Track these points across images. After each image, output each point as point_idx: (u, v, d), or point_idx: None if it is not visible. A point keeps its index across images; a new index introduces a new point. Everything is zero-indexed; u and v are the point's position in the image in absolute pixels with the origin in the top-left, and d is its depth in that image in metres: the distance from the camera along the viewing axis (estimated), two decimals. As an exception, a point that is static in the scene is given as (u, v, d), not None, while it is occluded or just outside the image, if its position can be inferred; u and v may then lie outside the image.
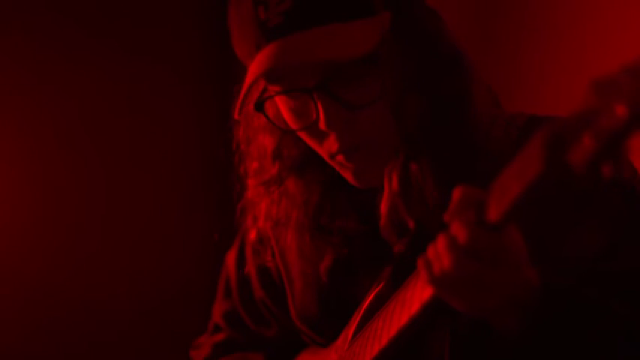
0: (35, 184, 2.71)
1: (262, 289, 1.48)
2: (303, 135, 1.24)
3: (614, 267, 1.13)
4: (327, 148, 1.22)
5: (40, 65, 2.72)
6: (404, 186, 1.21)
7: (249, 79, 1.17)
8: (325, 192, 1.30)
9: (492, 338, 1.07)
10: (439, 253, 1.00)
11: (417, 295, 1.09)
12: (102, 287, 2.76)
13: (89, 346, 2.74)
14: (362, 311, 1.27)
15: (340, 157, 1.22)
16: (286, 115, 1.23)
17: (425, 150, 1.20)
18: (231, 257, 1.54)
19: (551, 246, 1.13)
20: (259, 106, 1.24)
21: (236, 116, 1.22)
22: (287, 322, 1.44)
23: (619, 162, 0.75)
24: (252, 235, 1.43)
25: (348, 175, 1.25)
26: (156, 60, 2.86)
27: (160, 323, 2.82)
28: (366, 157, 1.22)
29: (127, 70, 2.82)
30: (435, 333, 1.19)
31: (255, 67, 1.16)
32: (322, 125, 1.18)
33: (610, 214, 1.14)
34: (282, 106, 1.23)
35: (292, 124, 1.23)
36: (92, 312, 2.75)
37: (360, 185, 1.25)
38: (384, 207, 1.24)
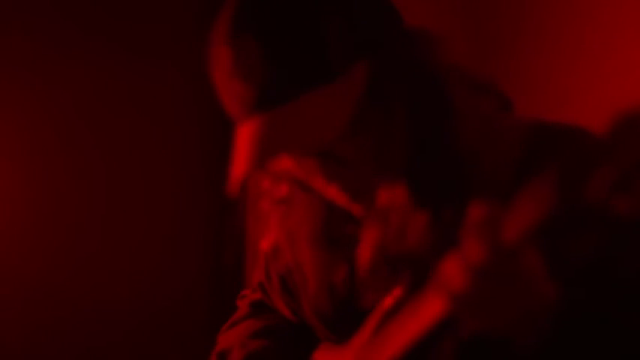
0: (35, 184, 2.71)
1: (279, 287, 1.52)
2: (309, 180, 1.27)
3: (614, 273, 1.14)
4: (331, 193, 1.26)
5: (40, 63, 2.72)
6: (388, 228, 1.24)
7: (238, 167, 1.18)
8: (333, 204, 1.32)
9: (499, 347, 1.09)
10: (454, 273, 1.00)
11: (430, 306, 1.10)
12: (102, 287, 2.76)
13: (89, 346, 2.74)
14: (380, 314, 1.28)
15: (344, 200, 1.26)
16: (289, 164, 1.26)
17: (410, 184, 1.22)
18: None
19: (553, 255, 1.13)
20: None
21: (231, 196, 1.23)
22: (302, 317, 1.48)
23: (636, 196, 0.76)
24: (265, 246, 1.47)
25: (356, 211, 1.28)
26: (157, 58, 2.86)
27: (161, 324, 2.82)
28: (370, 198, 1.24)
29: (128, 68, 2.82)
30: (442, 339, 1.21)
31: (242, 149, 1.18)
32: (320, 180, 1.22)
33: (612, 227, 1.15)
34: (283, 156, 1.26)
35: (296, 173, 1.26)
36: (92, 312, 2.74)
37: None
38: (365, 254, 1.27)
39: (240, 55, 1.15)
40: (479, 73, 1.27)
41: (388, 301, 1.26)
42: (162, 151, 2.89)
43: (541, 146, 1.19)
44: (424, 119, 1.20)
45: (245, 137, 1.17)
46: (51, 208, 2.72)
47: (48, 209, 2.72)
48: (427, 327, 1.11)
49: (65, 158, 2.75)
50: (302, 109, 1.14)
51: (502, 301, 1.01)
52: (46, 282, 2.70)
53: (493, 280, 0.98)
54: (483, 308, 1.01)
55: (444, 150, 1.21)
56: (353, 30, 1.16)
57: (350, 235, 1.32)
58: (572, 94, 2.17)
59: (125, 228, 2.82)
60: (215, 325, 1.70)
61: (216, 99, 1.22)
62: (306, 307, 1.44)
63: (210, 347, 1.67)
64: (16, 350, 2.66)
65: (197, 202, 2.92)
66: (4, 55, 2.68)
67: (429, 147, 1.20)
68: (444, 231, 1.04)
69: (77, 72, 2.76)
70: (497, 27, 2.41)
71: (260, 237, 1.52)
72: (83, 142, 2.77)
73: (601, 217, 0.78)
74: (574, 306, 1.06)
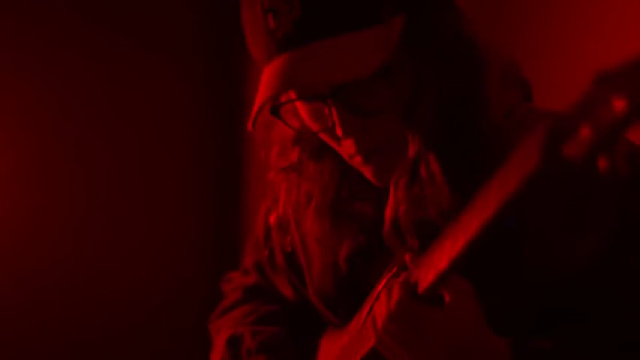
0: (34, 177, 2.70)
1: (285, 263, 1.52)
2: (322, 135, 1.25)
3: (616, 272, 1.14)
4: (346, 150, 1.24)
5: (43, 57, 2.71)
6: (410, 193, 1.23)
7: (260, 98, 1.17)
8: (343, 177, 1.31)
9: None
10: (378, 312, 1.10)
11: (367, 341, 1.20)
12: (101, 280, 2.75)
13: (86, 340, 2.73)
14: (375, 295, 1.28)
15: (358, 159, 1.23)
16: (305, 117, 1.24)
17: (436, 154, 1.20)
18: (261, 215, 1.56)
19: (547, 249, 1.15)
20: (275, 112, 1.24)
21: (249, 128, 1.21)
22: (305, 296, 1.48)
23: (616, 155, 0.76)
24: (272, 219, 1.46)
25: (367, 174, 1.26)
26: (157, 54, 2.85)
27: (159, 318, 2.80)
28: (384, 159, 1.23)
29: (130, 63, 2.81)
30: None
31: (265, 83, 1.17)
32: (338, 132, 1.19)
33: (608, 214, 1.14)
34: (300, 108, 1.25)
35: (311, 126, 1.25)
36: (90, 304, 2.74)
37: (379, 184, 1.26)
38: (388, 214, 1.26)
39: None
40: (507, 58, 1.26)
41: (383, 282, 1.26)
42: (163, 145, 2.88)
43: None
44: (454, 87, 1.19)
45: (270, 72, 1.16)
46: (49, 203, 2.71)
47: (47, 203, 2.71)
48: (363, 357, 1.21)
49: (64, 152, 2.74)
50: (332, 48, 1.13)
51: (420, 343, 1.07)
52: (45, 274, 2.70)
53: (405, 325, 1.07)
54: (397, 351, 1.10)
55: (470, 122, 1.20)
56: None
57: (357, 212, 1.32)
58: (573, 88, 2.16)
59: (124, 222, 2.81)
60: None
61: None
62: (310, 288, 1.44)
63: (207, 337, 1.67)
64: (15, 341, 2.65)
65: (197, 193, 2.92)
66: (7, 49, 2.67)
67: (455, 115, 1.19)
68: (460, 209, 1.02)
69: (79, 67, 2.75)
70: (498, 18, 2.40)
71: (263, 213, 1.52)
72: (84, 133, 2.77)
73: (584, 178, 0.77)
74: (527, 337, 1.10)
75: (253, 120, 1.18)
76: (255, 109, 1.16)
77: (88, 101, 2.78)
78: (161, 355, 2.76)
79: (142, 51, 2.84)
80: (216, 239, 2.89)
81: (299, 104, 1.23)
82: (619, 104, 0.73)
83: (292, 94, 1.21)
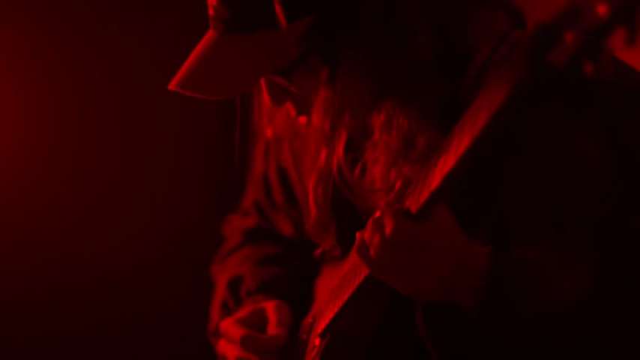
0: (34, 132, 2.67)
1: (282, 194, 1.57)
2: None
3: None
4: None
5: (52, 48, 2.67)
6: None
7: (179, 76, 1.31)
8: None
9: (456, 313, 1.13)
10: (370, 241, 1.09)
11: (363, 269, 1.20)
12: (107, 229, 2.71)
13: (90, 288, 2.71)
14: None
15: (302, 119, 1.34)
16: None
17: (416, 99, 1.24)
18: (259, 153, 1.62)
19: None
20: None
21: (171, 87, 1.30)
22: (304, 231, 1.51)
23: (601, 61, 0.78)
24: (269, 134, 1.49)
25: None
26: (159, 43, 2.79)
27: (163, 265, 2.76)
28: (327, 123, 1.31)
29: (132, 49, 2.76)
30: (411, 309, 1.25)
31: (192, 59, 1.30)
32: (267, 101, 1.32)
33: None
34: None
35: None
36: (96, 263, 2.72)
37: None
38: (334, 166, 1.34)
39: None
40: None
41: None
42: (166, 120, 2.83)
43: None
44: (435, 26, 1.23)
45: (201, 47, 1.29)
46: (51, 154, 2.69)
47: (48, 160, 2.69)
48: (359, 286, 1.22)
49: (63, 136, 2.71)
50: (247, 43, 1.25)
51: (417, 268, 1.08)
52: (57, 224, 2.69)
53: (405, 249, 1.07)
54: (401, 275, 1.10)
55: (451, 59, 1.22)
56: None
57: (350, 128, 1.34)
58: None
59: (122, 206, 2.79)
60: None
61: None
62: (306, 217, 1.46)
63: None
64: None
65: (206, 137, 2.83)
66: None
67: (437, 52, 1.23)
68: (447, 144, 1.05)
69: (78, 53, 2.71)
70: None
71: (260, 152, 1.58)
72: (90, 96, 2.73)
73: (569, 83, 0.80)
74: (509, 266, 1.11)
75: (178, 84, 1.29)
76: (173, 83, 1.29)
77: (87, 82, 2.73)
78: (166, 302, 2.73)
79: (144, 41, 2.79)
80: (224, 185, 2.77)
81: None
82: (602, 9, 0.77)
83: None
